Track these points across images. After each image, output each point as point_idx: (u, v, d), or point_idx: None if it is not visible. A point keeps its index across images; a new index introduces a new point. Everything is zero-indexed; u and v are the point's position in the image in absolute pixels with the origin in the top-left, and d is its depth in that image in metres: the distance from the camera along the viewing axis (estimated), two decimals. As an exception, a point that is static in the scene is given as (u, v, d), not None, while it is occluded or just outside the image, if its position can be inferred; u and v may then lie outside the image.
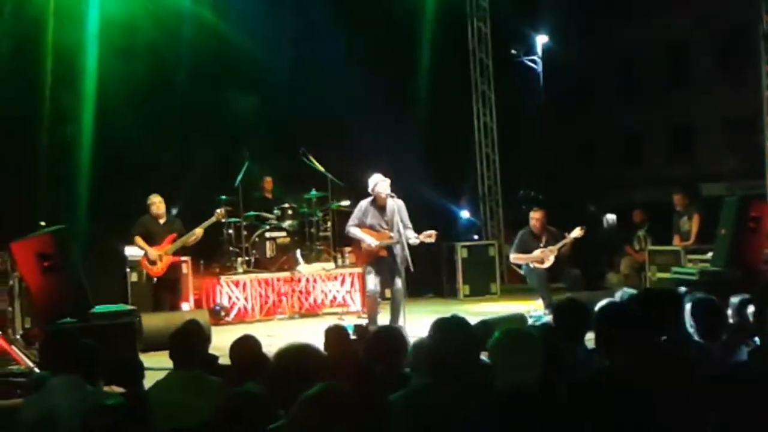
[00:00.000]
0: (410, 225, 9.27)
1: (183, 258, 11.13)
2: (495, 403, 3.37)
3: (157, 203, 10.43)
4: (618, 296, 5.87)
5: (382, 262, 9.23)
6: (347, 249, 12.61)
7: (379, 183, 9.20)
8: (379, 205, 9.26)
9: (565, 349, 4.38)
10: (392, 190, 9.24)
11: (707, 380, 3.97)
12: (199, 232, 10.55)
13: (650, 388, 3.64)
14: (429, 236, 9.23)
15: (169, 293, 10.49)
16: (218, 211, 10.88)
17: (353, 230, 9.38)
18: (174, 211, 11.56)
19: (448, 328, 3.78)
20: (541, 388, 3.44)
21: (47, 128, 12.45)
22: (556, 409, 3.40)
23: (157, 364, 6.46)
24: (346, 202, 12.41)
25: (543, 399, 3.40)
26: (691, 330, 4.81)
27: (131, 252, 11.33)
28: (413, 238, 9.19)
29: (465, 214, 15.26)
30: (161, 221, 10.48)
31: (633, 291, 5.97)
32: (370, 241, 9.19)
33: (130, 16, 13.07)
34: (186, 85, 13.36)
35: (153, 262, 10.30)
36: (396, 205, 9.20)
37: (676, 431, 3.49)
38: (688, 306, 4.86)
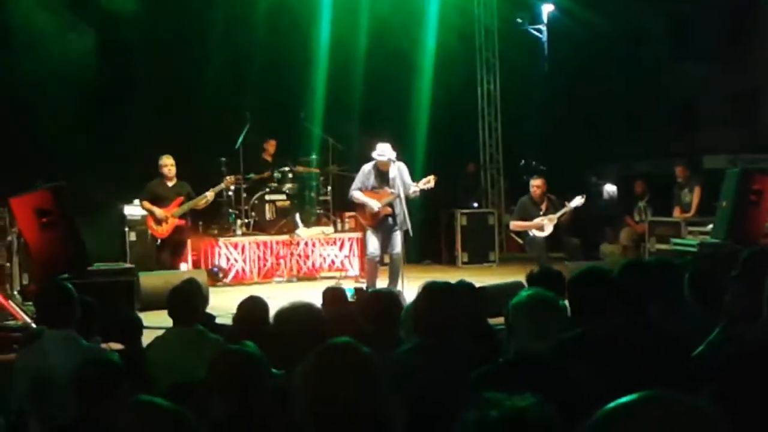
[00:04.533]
0: (412, 183, 9.24)
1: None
2: (502, 367, 3.30)
3: (169, 166, 10.40)
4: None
5: (385, 222, 9.20)
6: (347, 214, 12.58)
7: (385, 153, 9.09)
8: (381, 170, 9.23)
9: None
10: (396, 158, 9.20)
11: (697, 358, 3.86)
12: (210, 195, 10.59)
13: (622, 360, 3.41)
14: (428, 182, 9.19)
15: (172, 255, 10.51)
16: (228, 178, 10.98)
17: (357, 194, 9.31)
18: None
19: (433, 292, 3.77)
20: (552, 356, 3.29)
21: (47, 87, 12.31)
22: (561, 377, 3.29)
23: (154, 323, 6.49)
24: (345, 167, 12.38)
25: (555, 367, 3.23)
26: (689, 301, 4.77)
27: (130, 211, 11.35)
28: (413, 189, 9.17)
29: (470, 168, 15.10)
30: (170, 184, 10.46)
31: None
32: (372, 204, 9.13)
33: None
34: (193, 43, 13.20)
35: (159, 223, 10.30)
36: (398, 168, 9.16)
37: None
38: (686, 277, 4.82)
